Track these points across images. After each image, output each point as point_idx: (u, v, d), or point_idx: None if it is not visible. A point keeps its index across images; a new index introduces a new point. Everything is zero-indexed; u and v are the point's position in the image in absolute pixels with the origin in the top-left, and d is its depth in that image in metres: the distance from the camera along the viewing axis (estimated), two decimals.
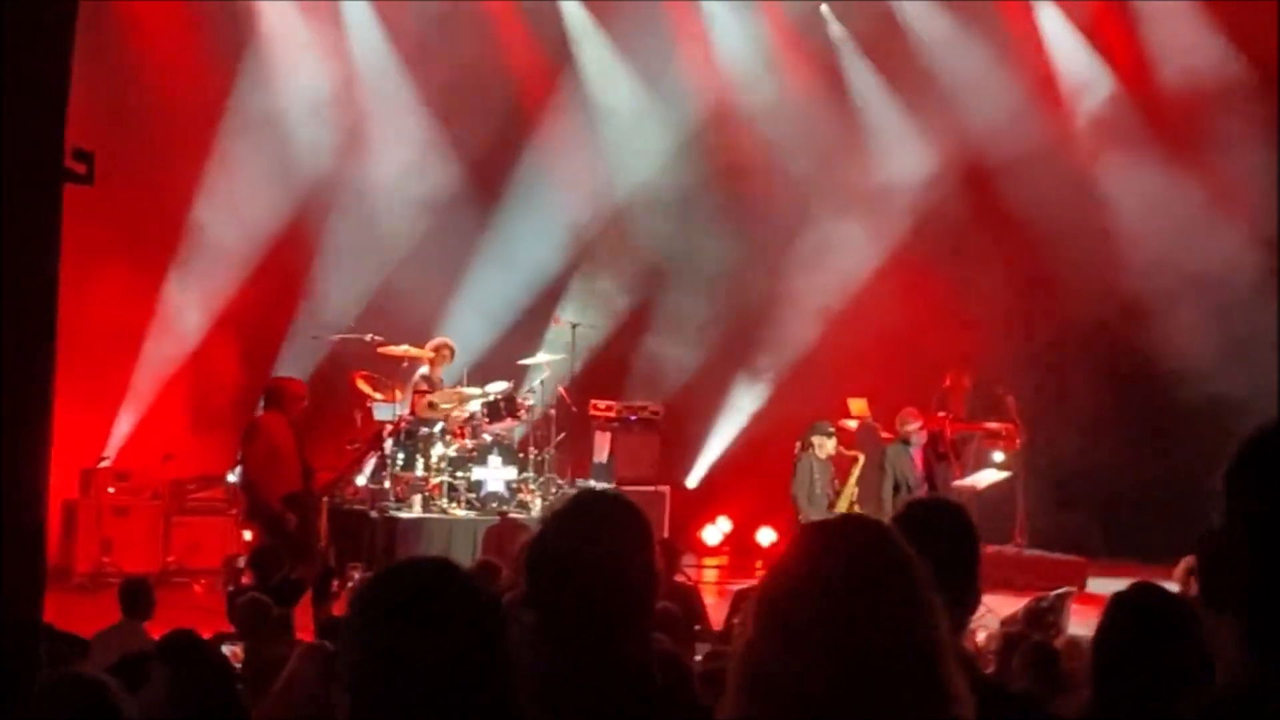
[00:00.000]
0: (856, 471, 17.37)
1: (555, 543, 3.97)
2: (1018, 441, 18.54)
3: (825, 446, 17.01)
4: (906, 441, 17.59)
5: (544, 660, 3.86)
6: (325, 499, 15.79)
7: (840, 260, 21.35)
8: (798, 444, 17.27)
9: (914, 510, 4.64)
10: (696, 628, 11.62)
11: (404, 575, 3.14)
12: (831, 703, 2.80)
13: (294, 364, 19.28)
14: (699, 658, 9.32)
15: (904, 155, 21.26)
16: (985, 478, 17.97)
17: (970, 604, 4.42)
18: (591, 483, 18.61)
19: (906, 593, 2.91)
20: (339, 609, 13.16)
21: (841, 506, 16.80)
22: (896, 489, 17.22)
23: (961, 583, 4.32)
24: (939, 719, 2.85)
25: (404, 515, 17.15)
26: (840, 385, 19.41)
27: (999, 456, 18.60)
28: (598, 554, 3.88)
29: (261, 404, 16.06)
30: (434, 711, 2.94)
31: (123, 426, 19.41)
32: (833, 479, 17.25)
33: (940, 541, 4.13)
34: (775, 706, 2.83)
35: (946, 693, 2.86)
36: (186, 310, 19.63)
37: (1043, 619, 11.48)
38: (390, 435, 17.34)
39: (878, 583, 2.91)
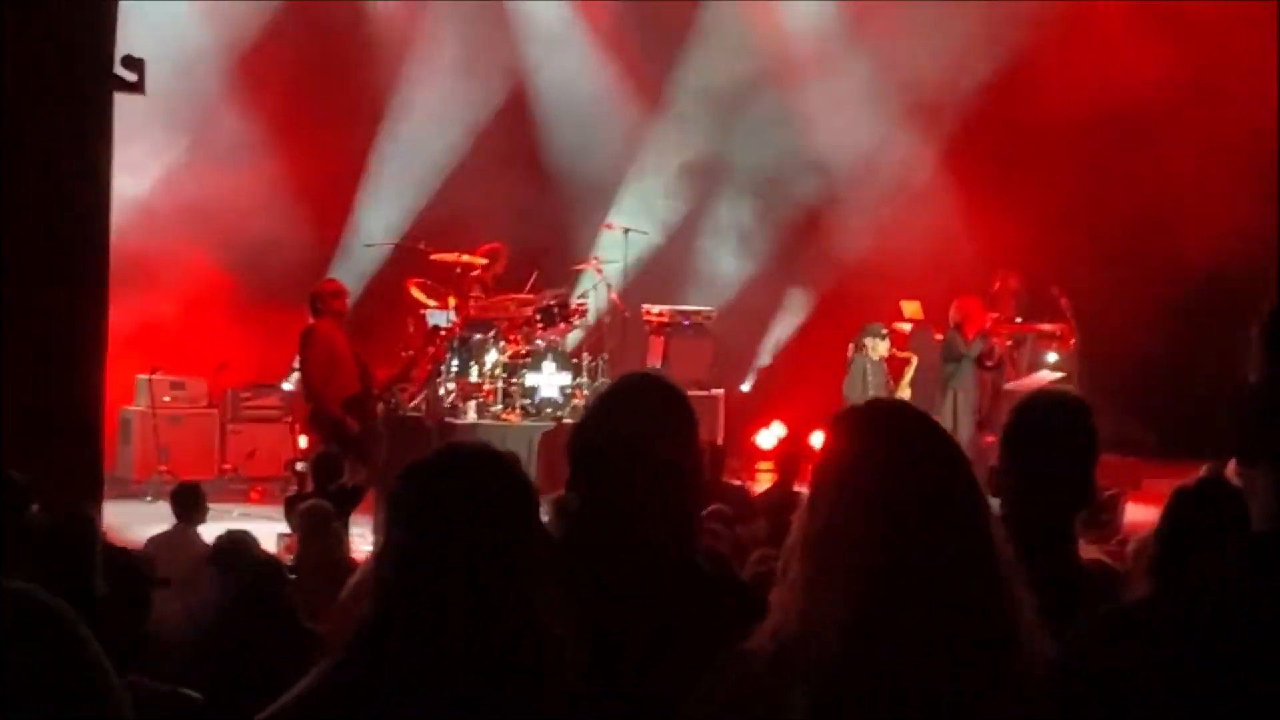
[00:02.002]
0: (909, 373, 17.33)
1: (598, 425, 3.97)
2: (1071, 342, 18.45)
3: (878, 348, 16.99)
4: (960, 357, 17.41)
5: (587, 545, 3.86)
6: (382, 405, 15.86)
7: (891, 163, 21.25)
8: (850, 346, 17.24)
9: (1033, 403, 4.62)
10: (747, 529, 11.61)
11: (443, 457, 3.14)
12: (889, 567, 2.85)
13: (347, 272, 19.33)
14: (751, 557, 9.35)
15: (953, 55, 21.04)
16: (1039, 379, 17.89)
17: (1080, 504, 4.42)
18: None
19: (950, 462, 2.96)
20: None
21: None
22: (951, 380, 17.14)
23: (1073, 481, 4.32)
24: (990, 576, 2.90)
25: (459, 421, 17.17)
26: (893, 287, 19.35)
27: (1053, 357, 18.52)
28: (640, 435, 3.88)
29: (310, 313, 16.10)
30: (468, 593, 2.94)
31: (179, 335, 19.49)
32: (886, 380, 17.22)
33: (1056, 435, 4.13)
34: (836, 577, 2.87)
35: (994, 551, 2.91)
36: (241, 217, 19.65)
37: (1098, 518, 11.45)
38: (444, 342, 17.36)
39: (920, 448, 2.98)
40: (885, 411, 3.15)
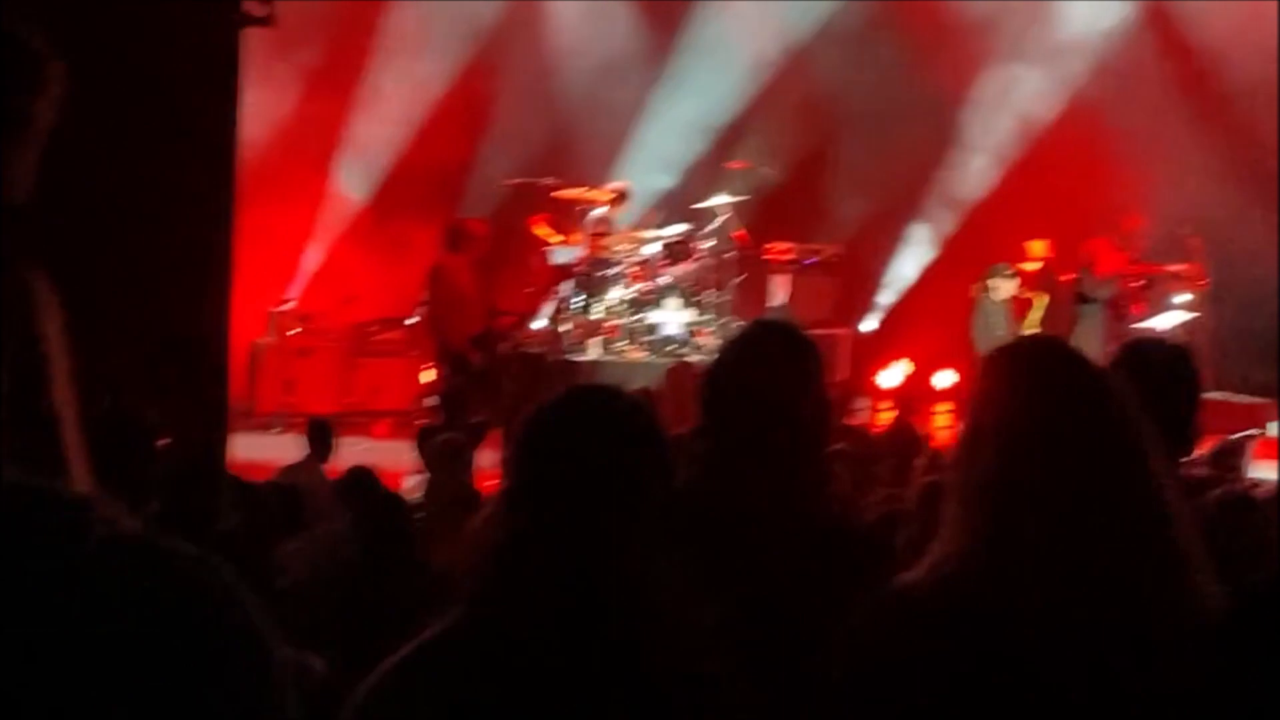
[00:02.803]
0: (1036, 314, 17.19)
1: (729, 371, 3.97)
2: (1202, 284, 18.24)
3: (1004, 288, 16.87)
4: (1090, 298, 17.25)
5: (716, 490, 3.86)
6: (506, 342, 15.94)
7: (1019, 101, 21.04)
8: (975, 286, 17.12)
9: (1136, 346, 4.62)
10: (871, 469, 11.58)
11: (570, 399, 3.12)
12: (1050, 506, 2.84)
13: (474, 207, 19.38)
14: (875, 498, 9.32)
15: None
16: (1168, 320, 17.72)
17: (1186, 447, 4.39)
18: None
19: (1104, 400, 2.94)
20: None
21: None
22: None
23: (1178, 423, 4.29)
24: (1156, 516, 2.88)
25: (582, 358, 17.21)
26: (1020, 228, 19.18)
27: (1183, 299, 18.32)
28: (770, 382, 3.88)
29: (443, 246, 16.17)
30: (593, 536, 2.93)
31: (306, 269, 19.65)
32: (1012, 321, 17.10)
33: (1158, 378, 4.11)
34: (997, 517, 2.87)
35: (1159, 491, 2.89)
36: (369, 153, 19.76)
37: (1224, 461, 11.33)
38: (568, 278, 17.39)
39: (1072, 385, 2.97)
40: (1043, 351, 3.13)
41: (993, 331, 16.74)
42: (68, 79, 1.46)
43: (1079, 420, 2.90)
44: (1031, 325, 17.09)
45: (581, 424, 3.02)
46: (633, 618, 2.90)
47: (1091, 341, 16.80)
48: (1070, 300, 17.59)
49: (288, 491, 8.64)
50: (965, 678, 2.81)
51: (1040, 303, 17.41)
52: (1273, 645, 2.79)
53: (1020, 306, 17.31)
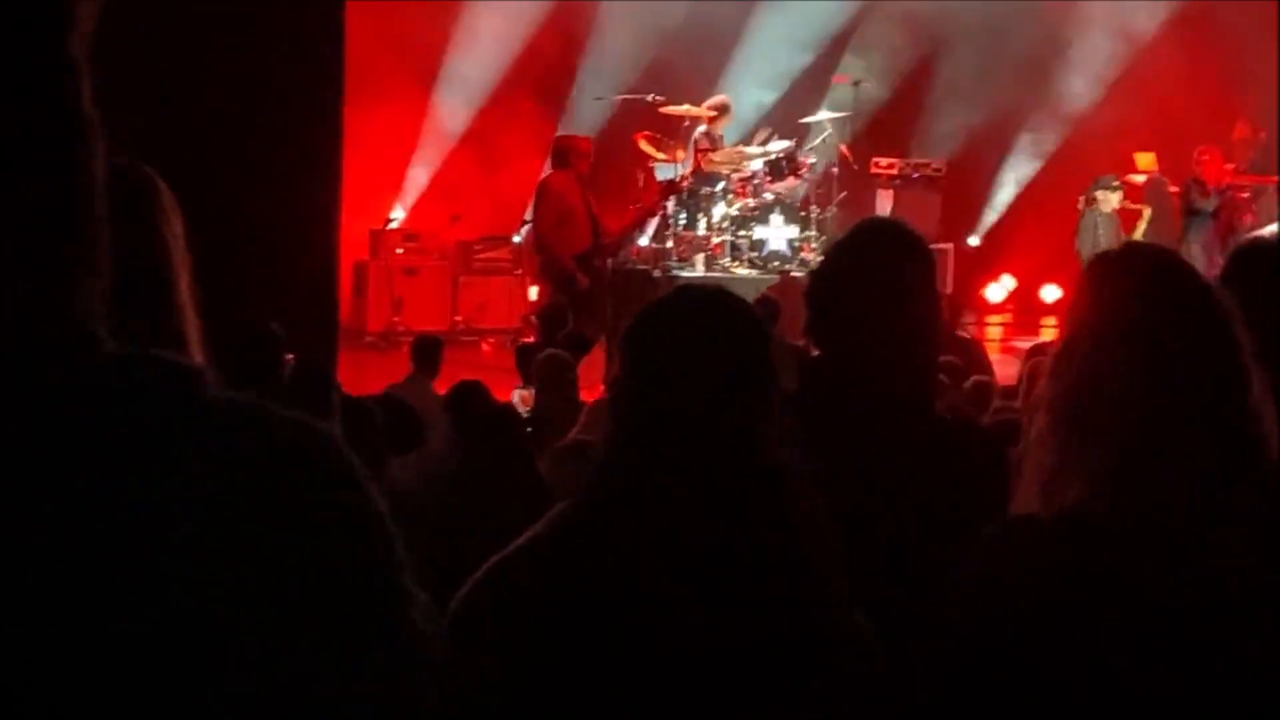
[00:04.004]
0: (1143, 226, 17.03)
1: (838, 271, 3.94)
2: None
3: (1110, 200, 16.72)
4: (1198, 210, 17.08)
5: (827, 394, 3.86)
6: (610, 258, 15.96)
7: (1124, 12, 20.81)
8: (1081, 199, 16.99)
9: (1249, 249, 4.46)
10: (980, 382, 11.54)
11: (674, 298, 3.11)
12: (1156, 423, 2.79)
13: (577, 124, 19.39)
14: (991, 408, 9.33)
15: None
16: (1277, 230, 17.51)
17: None
18: None
19: (1208, 314, 2.88)
20: None
21: None
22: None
23: None
24: (1254, 435, 2.83)
25: (687, 274, 17.19)
26: (1126, 140, 19.01)
27: None
28: (880, 283, 3.84)
29: (549, 163, 16.20)
30: (702, 434, 2.92)
31: (411, 188, 19.73)
32: (1118, 234, 16.95)
33: (1273, 279, 4.02)
34: (1103, 434, 2.81)
35: (1249, 406, 2.83)
36: (473, 68, 19.77)
37: None
38: (673, 195, 17.36)
39: (1175, 290, 2.90)
40: (1146, 260, 3.01)
41: (1098, 245, 16.60)
42: None
43: (1180, 334, 2.82)
44: (1138, 238, 16.93)
45: (689, 320, 3.00)
46: (743, 517, 2.89)
47: (1199, 253, 16.65)
48: (1177, 212, 17.43)
49: (397, 406, 8.70)
50: (1089, 613, 2.77)
51: (1146, 215, 17.24)
52: None
53: (1127, 219, 17.16)
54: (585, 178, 15.72)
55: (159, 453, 1.39)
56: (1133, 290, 2.90)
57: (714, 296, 3.09)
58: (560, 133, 18.66)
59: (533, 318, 16.14)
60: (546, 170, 16.71)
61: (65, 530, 1.35)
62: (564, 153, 15.93)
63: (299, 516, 1.43)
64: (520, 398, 11.63)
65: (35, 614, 1.34)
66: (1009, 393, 10.82)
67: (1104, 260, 3.07)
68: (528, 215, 18.55)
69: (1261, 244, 4.49)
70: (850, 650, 2.93)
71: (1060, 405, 2.89)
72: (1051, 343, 10.60)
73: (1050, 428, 2.89)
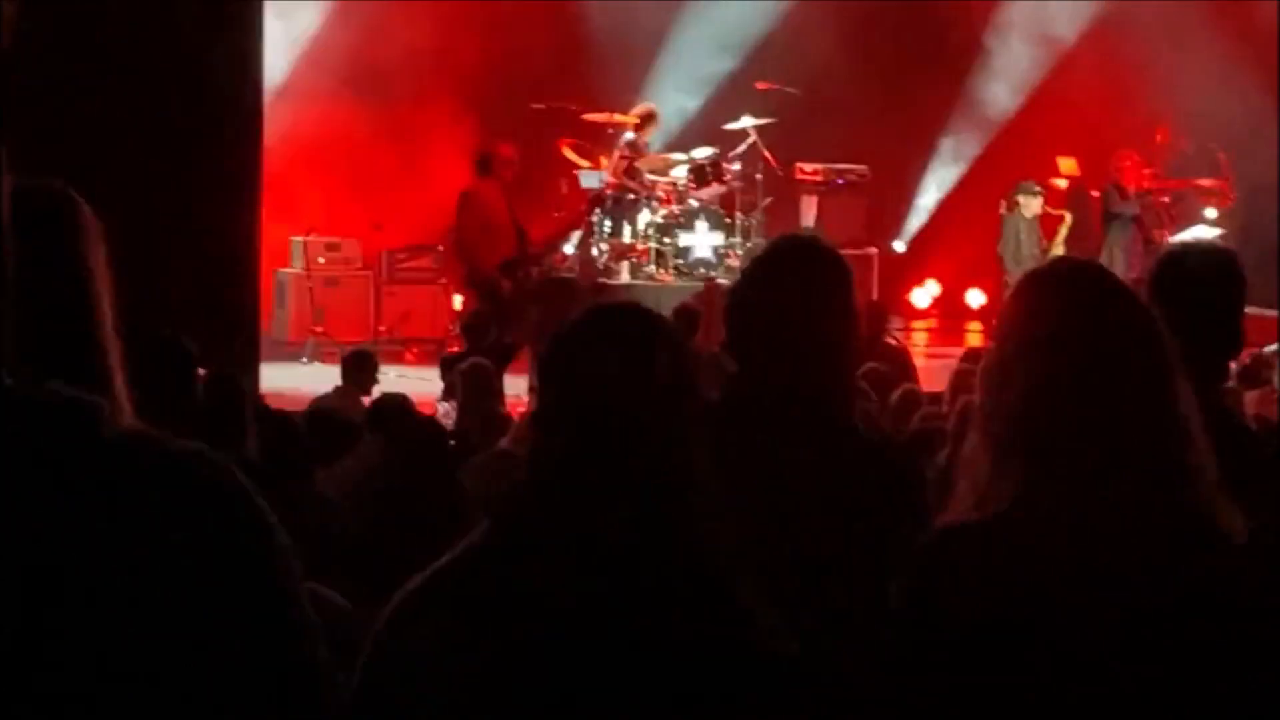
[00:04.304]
0: (1064, 231, 17.07)
1: (754, 288, 3.96)
2: (1231, 198, 18.15)
3: (1031, 205, 16.78)
4: (1117, 214, 17.15)
5: (744, 408, 3.85)
6: (535, 267, 15.92)
7: (1047, 20, 20.91)
8: (1002, 204, 17.05)
9: (1176, 254, 4.55)
10: (906, 388, 11.56)
11: (594, 317, 3.08)
12: (1088, 433, 2.86)
13: (500, 130, 19.32)
14: (915, 416, 9.32)
15: None
16: (1197, 234, 17.63)
17: (1231, 351, 4.35)
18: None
19: (1146, 324, 2.96)
20: None
21: None
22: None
23: (1223, 327, 4.26)
24: (1182, 442, 2.89)
25: (612, 282, 17.19)
26: (1049, 145, 19.10)
27: (1211, 213, 18.23)
28: (795, 296, 3.87)
29: (473, 170, 16.16)
30: (623, 455, 2.89)
31: (332, 196, 19.62)
32: (1040, 239, 17.00)
33: (1202, 285, 4.09)
34: (1039, 444, 2.87)
35: (1183, 418, 2.90)
36: (394, 73, 19.67)
37: (1257, 375, 11.34)
38: (596, 203, 17.34)
39: (1103, 302, 2.98)
40: (1074, 274, 3.11)
41: (1020, 249, 16.68)
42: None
43: (1108, 345, 2.91)
44: (1059, 243, 16.99)
45: (606, 341, 2.98)
46: (662, 537, 2.86)
47: (1120, 256, 16.74)
48: (1099, 217, 17.51)
49: (324, 418, 8.64)
50: (1015, 619, 2.84)
51: (1068, 220, 17.29)
52: None
53: (1048, 224, 17.21)
54: (509, 185, 15.68)
55: (53, 491, 1.37)
56: (1062, 302, 2.97)
57: (632, 314, 3.08)
58: (483, 140, 18.59)
59: (456, 328, 16.09)
60: (472, 177, 16.65)
61: None
62: (487, 160, 15.89)
63: (195, 552, 1.41)
64: (444, 410, 11.58)
65: None
66: (935, 399, 10.84)
67: (1034, 274, 3.14)
68: (451, 223, 18.51)
69: (1186, 251, 4.58)
70: (774, 662, 2.89)
71: (992, 416, 2.96)
72: (981, 351, 10.57)
73: (983, 438, 2.96)
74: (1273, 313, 18.12)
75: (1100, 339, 2.91)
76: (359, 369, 11.71)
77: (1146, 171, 17.74)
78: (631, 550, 2.85)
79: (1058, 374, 2.88)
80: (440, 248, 19.23)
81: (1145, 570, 2.83)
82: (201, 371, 6.16)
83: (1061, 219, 17.32)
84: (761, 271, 4.02)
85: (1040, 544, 2.82)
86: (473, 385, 10.64)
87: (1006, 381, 2.94)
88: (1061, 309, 2.96)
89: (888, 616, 3.05)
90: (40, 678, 1.35)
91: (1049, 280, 3.09)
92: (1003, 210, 17.12)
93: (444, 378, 12.22)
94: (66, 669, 1.35)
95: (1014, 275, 16.53)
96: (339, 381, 11.81)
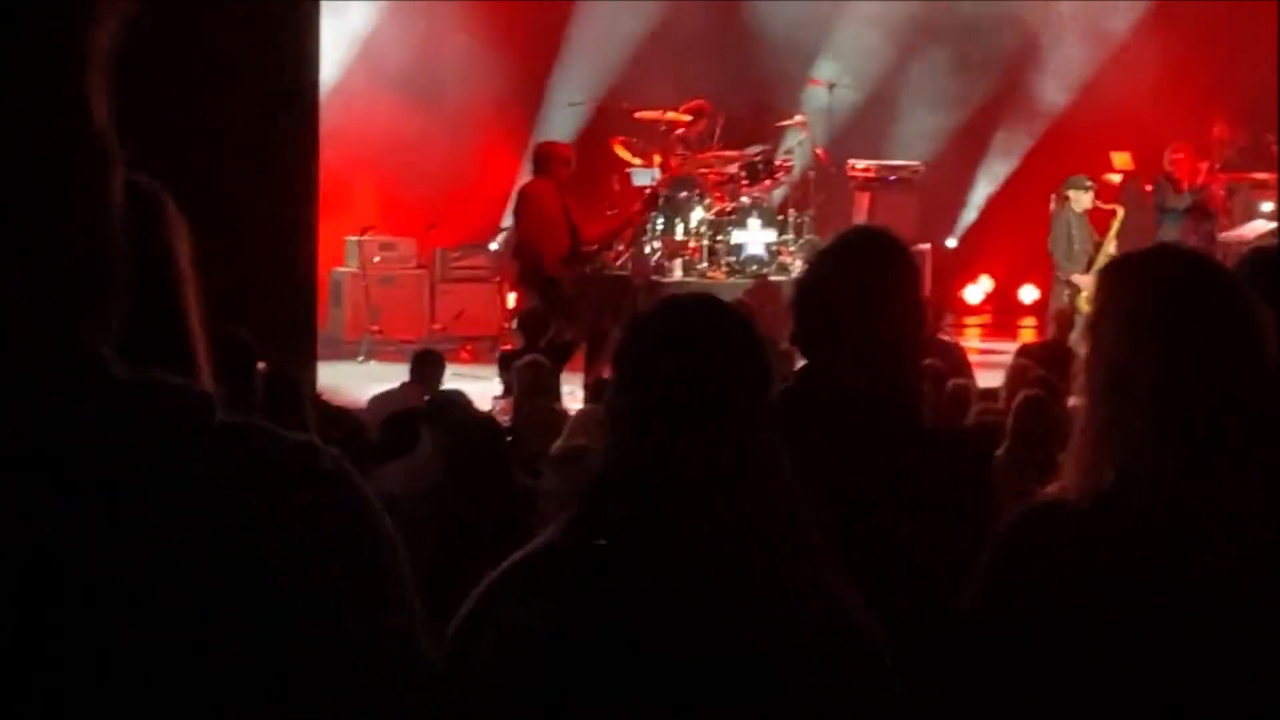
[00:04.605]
0: (1116, 225, 16.95)
1: (823, 280, 3.94)
2: None
3: (1082, 200, 16.66)
4: (1170, 208, 17.07)
5: (811, 400, 3.84)
6: (591, 264, 15.96)
7: (1103, 14, 20.84)
8: (1053, 198, 16.99)
9: (1258, 256, 4.56)
10: (962, 384, 11.54)
11: (667, 309, 3.11)
12: (1193, 412, 2.87)
13: (552, 130, 19.37)
14: (972, 411, 9.33)
15: None
16: (1254, 228, 17.52)
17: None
18: None
19: (1234, 299, 2.95)
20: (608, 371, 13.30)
21: (1100, 262, 16.47)
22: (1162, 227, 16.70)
23: None
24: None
25: (665, 280, 17.19)
26: (1103, 140, 19.04)
27: (1268, 207, 18.13)
28: (864, 290, 3.85)
29: (530, 169, 16.21)
30: (698, 449, 2.89)
31: (388, 196, 19.68)
32: (1091, 234, 16.92)
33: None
34: (1124, 410, 2.89)
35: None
36: (448, 79, 19.73)
37: None
38: (651, 203, 17.36)
39: (1206, 282, 2.98)
40: (1169, 257, 3.13)
41: (1072, 245, 16.60)
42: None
43: (1210, 323, 2.91)
44: (1111, 238, 16.89)
45: (682, 334, 2.98)
46: (743, 530, 2.87)
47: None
48: (1151, 211, 17.43)
49: (394, 413, 8.70)
50: (1122, 593, 2.83)
51: (1120, 215, 17.20)
52: None
53: (1101, 219, 17.13)
54: (565, 184, 15.73)
55: (169, 480, 1.39)
56: (1164, 282, 2.99)
57: (703, 305, 3.07)
58: (535, 138, 18.63)
59: (513, 325, 16.12)
60: (526, 176, 16.69)
61: (79, 560, 1.35)
62: (544, 159, 15.94)
63: (313, 539, 1.44)
64: (500, 407, 11.61)
65: (52, 645, 1.33)
66: (989, 395, 10.83)
67: (1131, 257, 3.17)
68: (504, 222, 18.55)
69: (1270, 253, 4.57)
70: (854, 644, 2.90)
71: (1096, 395, 2.97)
72: (1036, 346, 10.55)
73: (1087, 418, 2.97)
74: None
75: (1198, 316, 2.92)
76: (427, 365, 11.74)
77: (1202, 165, 17.64)
78: (714, 549, 2.85)
79: (1158, 351, 2.90)
80: (493, 246, 19.30)
81: (1245, 567, 2.82)
82: (261, 366, 6.22)
83: (1114, 213, 17.21)
84: (830, 264, 4.00)
85: (1137, 528, 2.83)
86: (530, 382, 10.66)
87: (1107, 361, 2.95)
88: (1163, 285, 2.98)
89: (968, 593, 3.05)
90: (173, 675, 1.37)
91: (1147, 260, 3.11)
92: (1053, 205, 17.05)
93: (502, 375, 12.24)
94: (198, 658, 1.37)
95: (1065, 271, 16.48)
96: (398, 379, 11.85)
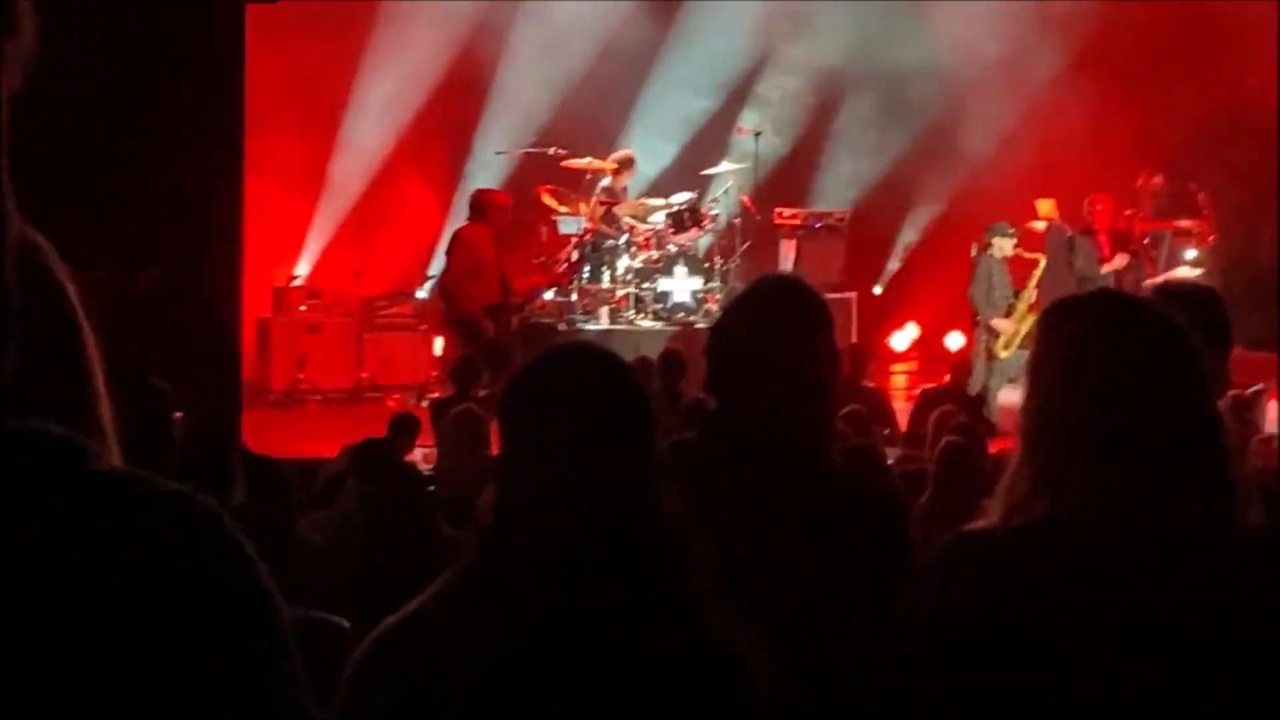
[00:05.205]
0: (1037, 274, 17.00)
1: (734, 328, 3.96)
2: (1210, 239, 18.21)
3: (1005, 247, 16.72)
4: (1088, 231, 17.22)
5: (724, 447, 3.86)
6: (518, 313, 15.96)
7: (1027, 63, 21.00)
8: (975, 245, 17.07)
9: (1164, 290, 4.64)
10: (885, 431, 11.60)
11: (544, 361, 3.11)
12: (1123, 449, 2.90)
13: (479, 179, 19.39)
14: (889, 461, 9.34)
15: None
16: (1177, 276, 17.68)
17: (1218, 391, 4.38)
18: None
19: (1176, 345, 3.00)
20: None
21: (1020, 309, 16.58)
22: (1083, 283, 16.74)
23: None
24: (1214, 454, 2.94)
25: (591, 327, 17.22)
26: (1028, 188, 19.16)
27: (1191, 254, 18.28)
28: (776, 338, 3.87)
29: (470, 214, 16.22)
30: (581, 496, 2.92)
31: (313, 246, 19.65)
32: (1010, 280, 16.96)
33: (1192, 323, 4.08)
34: (1074, 461, 2.92)
35: (1219, 430, 2.96)
36: (373, 122, 19.73)
37: (1240, 415, 11.34)
38: (576, 249, 17.39)
39: (1138, 317, 3.04)
40: (1107, 299, 3.22)
41: (992, 290, 16.65)
42: (41, 31, 1.47)
43: (1143, 363, 2.96)
44: (1032, 286, 16.93)
45: (561, 380, 3.01)
46: (626, 575, 2.89)
47: (1082, 270, 16.74)
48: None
49: (311, 468, 8.67)
50: (1044, 623, 2.86)
51: (1042, 263, 17.26)
52: None
53: (1021, 266, 17.17)
54: (500, 233, 15.75)
55: (41, 530, 1.36)
56: (1099, 322, 3.04)
57: (583, 353, 3.10)
58: (462, 186, 18.66)
59: (442, 373, 16.08)
60: (457, 222, 16.73)
61: None
62: (481, 205, 15.97)
63: (183, 597, 1.41)
64: (424, 455, 11.56)
65: None
66: (915, 440, 10.87)
67: (1068, 301, 3.19)
68: (432, 270, 18.54)
69: (1169, 292, 4.60)
70: (741, 693, 2.90)
71: (1032, 431, 3.01)
72: (940, 390, 10.56)
73: (1023, 457, 3.01)
74: (1257, 352, 18.23)
75: (1135, 356, 2.97)
76: (399, 433, 11.64)
77: (1126, 213, 17.78)
78: (599, 594, 2.87)
79: (1095, 391, 2.94)
80: (420, 294, 19.28)
81: (1181, 583, 2.86)
82: (178, 415, 6.19)
83: (1035, 262, 17.28)
84: (741, 311, 4.00)
85: (1069, 551, 2.86)
86: (462, 432, 10.63)
87: (1043, 398, 3.00)
88: (1098, 329, 3.03)
89: (897, 625, 3.09)
90: (28, 711, 1.35)
91: (1081, 302, 3.16)
92: (974, 252, 17.11)
93: (433, 423, 12.19)
94: (54, 703, 1.35)
95: (985, 315, 16.54)
96: (324, 428, 11.79)
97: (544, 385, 3.02)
